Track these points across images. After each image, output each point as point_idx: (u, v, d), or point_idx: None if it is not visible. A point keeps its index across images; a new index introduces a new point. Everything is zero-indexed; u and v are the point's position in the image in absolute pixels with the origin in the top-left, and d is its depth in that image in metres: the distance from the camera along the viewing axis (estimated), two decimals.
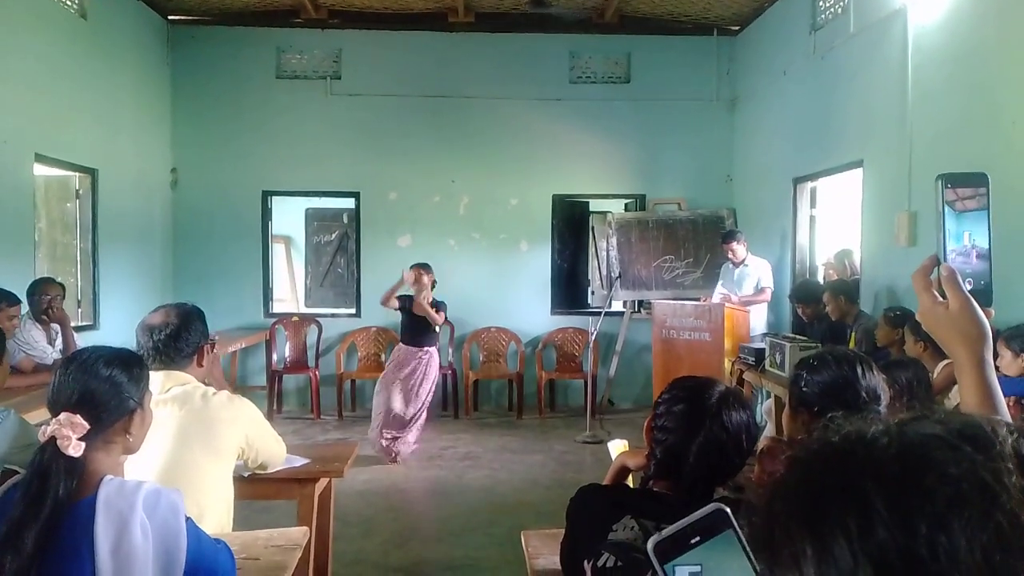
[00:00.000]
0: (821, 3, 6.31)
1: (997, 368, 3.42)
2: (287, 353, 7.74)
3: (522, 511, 4.82)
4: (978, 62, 4.32)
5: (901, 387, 3.36)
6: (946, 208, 1.04)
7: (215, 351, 2.66)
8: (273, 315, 8.03)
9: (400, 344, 6.14)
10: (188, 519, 1.52)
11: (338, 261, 9.88)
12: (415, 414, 5.89)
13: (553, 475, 5.57)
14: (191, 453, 2.20)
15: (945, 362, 3.55)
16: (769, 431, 5.81)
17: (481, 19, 7.85)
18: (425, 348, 5.97)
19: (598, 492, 1.60)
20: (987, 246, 1.05)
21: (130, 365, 1.63)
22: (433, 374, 6.03)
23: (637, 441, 2.21)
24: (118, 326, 6.51)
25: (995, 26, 4.19)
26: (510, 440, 6.60)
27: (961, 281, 1.02)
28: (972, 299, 1.01)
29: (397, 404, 5.81)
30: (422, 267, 6.08)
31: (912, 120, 4.91)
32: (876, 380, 1.69)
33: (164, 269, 7.71)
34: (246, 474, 2.50)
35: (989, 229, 1.06)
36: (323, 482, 2.72)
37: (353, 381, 7.71)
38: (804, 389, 1.70)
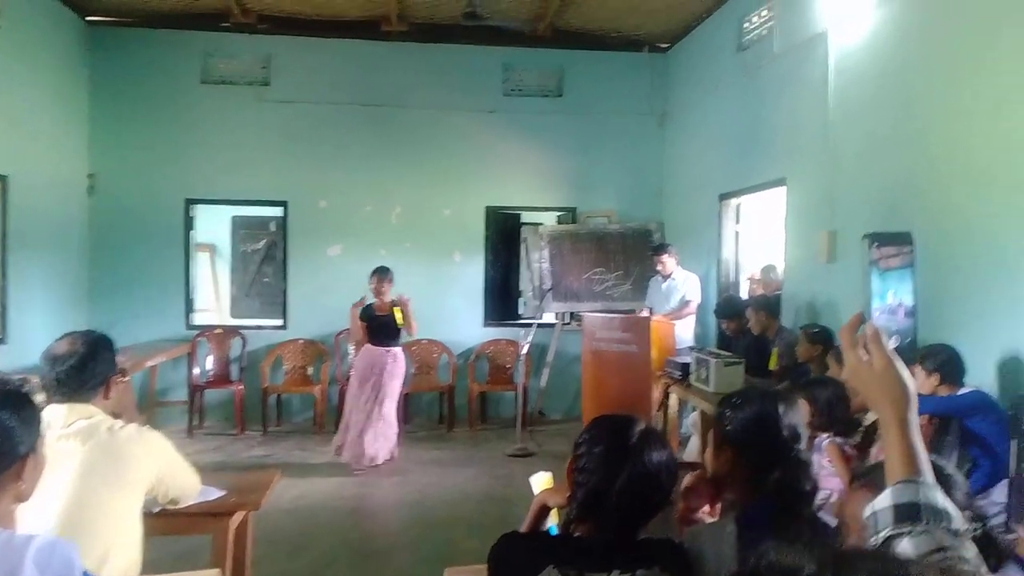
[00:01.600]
0: (747, 24, 6.47)
1: None
2: (210, 366, 7.51)
3: (452, 526, 4.78)
4: (898, 85, 4.47)
5: (820, 405, 3.45)
6: (871, 267, 1.06)
7: (127, 378, 2.54)
8: (195, 327, 7.77)
9: (367, 345, 6.20)
10: (85, 573, 1.44)
11: (265, 270, 9.64)
12: (385, 413, 5.97)
13: (483, 489, 5.54)
14: (96, 490, 2.09)
15: None
16: (695, 444, 5.91)
17: (415, 28, 7.78)
18: (390, 348, 6.11)
19: (519, 540, 1.57)
20: (912, 302, 1.07)
21: (20, 407, 1.53)
22: (400, 372, 6.16)
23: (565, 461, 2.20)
24: (30, 340, 6.19)
25: (915, 50, 4.34)
26: (441, 454, 6.55)
27: (886, 340, 1.03)
28: (897, 359, 1.01)
29: (368, 405, 5.95)
30: (381, 273, 6.22)
31: (834, 141, 5.06)
32: (797, 418, 1.72)
33: (80, 279, 7.38)
34: (156, 509, 2.39)
35: (915, 285, 1.08)
36: (240, 513, 2.62)
37: (279, 395, 7.52)
38: (727, 427, 1.71)
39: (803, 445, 1.70)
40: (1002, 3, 3.72)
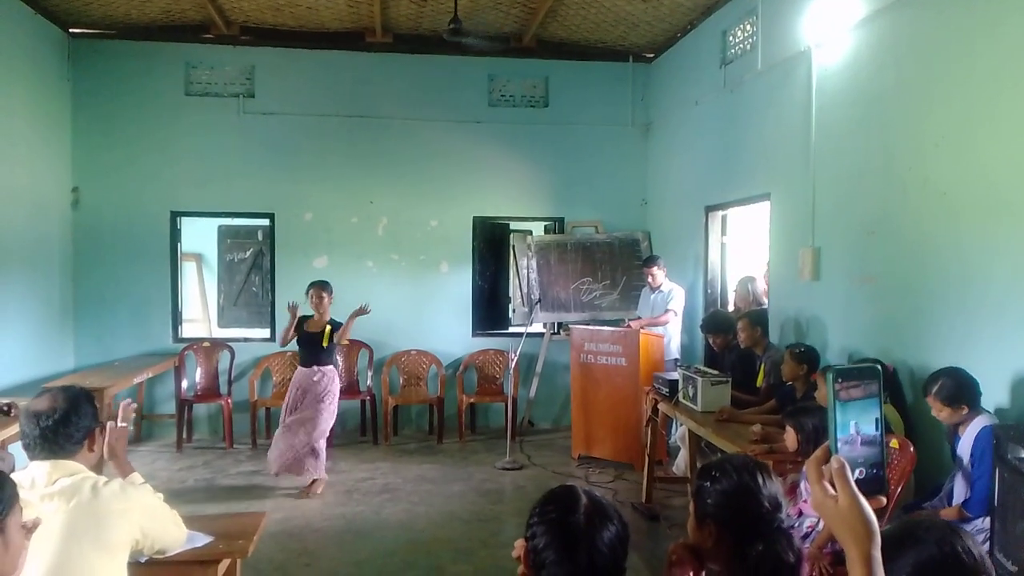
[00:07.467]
0: (730, 38, 6.48)
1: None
2: (198, 380, 7.47)
3: (439, 549, 4.79)
4: (877, 109, 4.50)
5: (808, 433, 3.50)
6: (835, 400, 1.06)
7: (124, 424, 2.55)
8: (182, 340, 7.74)
9: (299, 368, 6.05)
10: None
11: (252, 279, 9.63)
12: (317, 436, 5.81)
13: (472, 507, 5.55)
14: (79, 551, 2.09)
15: None
16: (683, 457, 5.94)
17: (399, 40, 7.76)
18: (320, 368, 5.91)
19: None
20: (874, 432, 1.07)
21: None
22: (333, 391, 5.93)
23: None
24: (10, 358, 6.16)
25: (892, 75, 4.37)
26: (430, 468, 6.54)
27: (850, 474, 1.03)
28: (860, 496, 1.02)
29: (301, 432, 5.76)
30: (321, 286, 6.06)
31: (815, 159, 5.09)
32: (776, 487, 1.74)
33: (63, 294, 7.33)
34: (143, 559, 2.39)
35: (881, 415, 1.08)
36: (227, 560, 2.63)
37: (268, 409, 7.50)
38: (708, 502, 1.73)
39: (784, 514, 1.71)
40: (969, 38, 3.74)
